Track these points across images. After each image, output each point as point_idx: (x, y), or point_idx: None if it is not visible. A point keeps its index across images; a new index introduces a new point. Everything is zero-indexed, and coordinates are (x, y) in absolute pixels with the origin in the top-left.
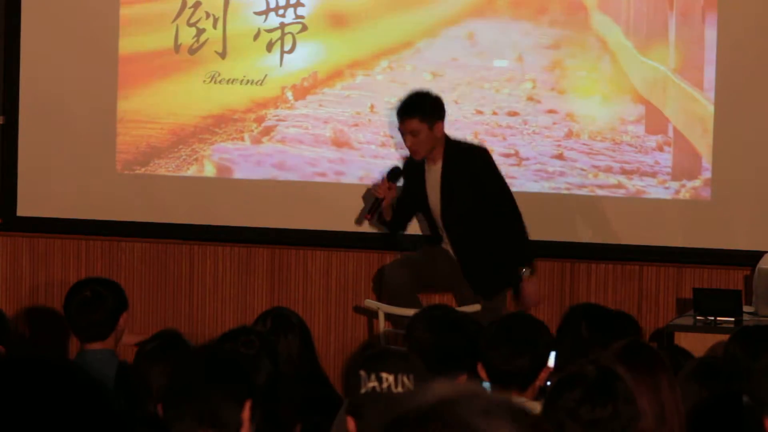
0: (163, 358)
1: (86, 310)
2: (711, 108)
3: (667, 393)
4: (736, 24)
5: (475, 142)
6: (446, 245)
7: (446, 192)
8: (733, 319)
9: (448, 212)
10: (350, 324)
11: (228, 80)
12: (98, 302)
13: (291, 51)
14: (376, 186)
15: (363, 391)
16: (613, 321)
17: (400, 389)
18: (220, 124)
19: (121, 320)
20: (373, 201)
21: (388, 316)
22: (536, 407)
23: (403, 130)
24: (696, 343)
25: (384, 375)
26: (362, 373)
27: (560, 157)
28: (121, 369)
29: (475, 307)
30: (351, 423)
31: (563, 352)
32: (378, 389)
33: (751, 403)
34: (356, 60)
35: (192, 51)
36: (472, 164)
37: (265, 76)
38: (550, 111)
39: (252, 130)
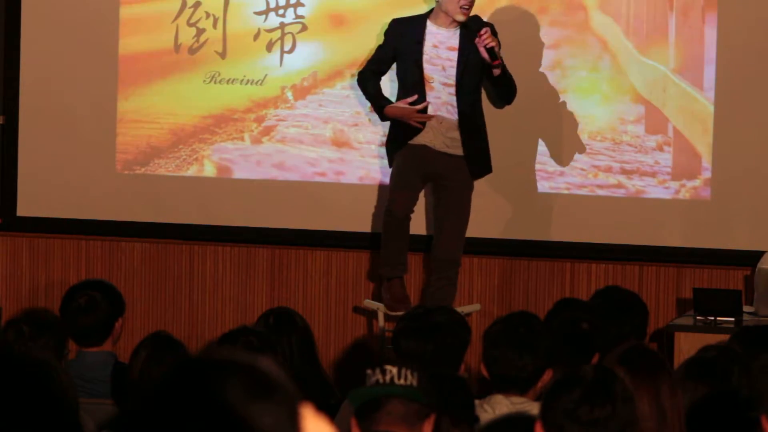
0: (160, 361)
1: (81, 318)
2: (711, 108)
3: (668, 397)
4: (736, 24)
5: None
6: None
7: (463, 58)
8: (733, 319)
9: (464, 79)
10: (350, 324)
11: (228, 80)
12: (93, 310)
13: (291, 51)
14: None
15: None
16: (624, 295)
17: (402, 381)
18: (220, 124)
19: (117, 325)
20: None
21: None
22: (536, 408)
23: None
24: (696, 343)
25: (388, 367)
26: (368, 371)
27: None
28: (116, 371)
29: (474, 307)
30: (354, 423)
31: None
32: (381, 380)
33: (746, 401)
34: (356, 60)
35: (192, 51)
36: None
37: (265, 76)
38: None
39: (252, 130)
